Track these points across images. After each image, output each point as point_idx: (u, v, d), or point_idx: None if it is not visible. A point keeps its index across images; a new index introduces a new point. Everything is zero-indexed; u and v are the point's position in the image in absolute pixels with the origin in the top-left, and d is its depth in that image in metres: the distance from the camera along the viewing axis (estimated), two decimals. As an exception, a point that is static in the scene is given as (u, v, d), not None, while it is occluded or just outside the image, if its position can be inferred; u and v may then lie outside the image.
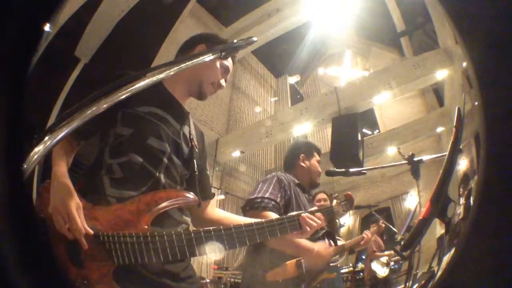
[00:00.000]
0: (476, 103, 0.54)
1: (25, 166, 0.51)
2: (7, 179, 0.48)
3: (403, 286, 1.00)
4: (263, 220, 1.00)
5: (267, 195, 1.51)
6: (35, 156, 0.53)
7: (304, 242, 1.46)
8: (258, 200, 1.49)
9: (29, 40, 0.51)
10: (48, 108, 3.27)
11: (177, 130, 1.08)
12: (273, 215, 1.43)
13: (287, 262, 1.47)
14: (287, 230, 1.06)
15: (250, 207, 1.50)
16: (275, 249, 1.44)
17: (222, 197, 6.33)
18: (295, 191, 1.67)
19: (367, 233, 2.16)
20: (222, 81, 1.17)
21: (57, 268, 0.75)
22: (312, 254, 1.45)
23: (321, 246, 1.50)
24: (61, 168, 0.93)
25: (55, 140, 0.55)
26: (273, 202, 1.50)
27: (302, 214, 1.09)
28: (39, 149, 0.53)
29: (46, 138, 0.55)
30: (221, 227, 0.93)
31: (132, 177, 0.96)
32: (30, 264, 0.49)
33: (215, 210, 1.20)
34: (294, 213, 1.11)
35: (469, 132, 0.80)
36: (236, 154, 6.38)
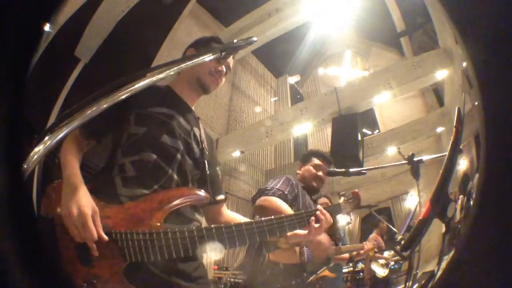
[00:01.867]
0: (476, 103, 0.54)
1: (25, 166, 0.51)
2: (7, 179, 0.48)
3: (403, 286, 1.00)
4: (272, 217, 1.00)
5: (276, 187, 1.68)
6: (35, 156, 0.53)
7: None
8: (268, 188, 1.67)
9: (29, 40, 0.50)
10: (48, 108, 3.27)
11: (187, 131, 1.09)
12: (279, 201, 1.56)
13: (291, 248, 1.50)
14: (296, 227, 1.07)
15: (260, 194, 1.66)
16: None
17: (222, 197, 6.32)
18: (302, 191, 1.78)
19: (367, 244, 2.18)
20: (221, 69, 1.16)
21: (58, 268, 0.75)
22: (314, 242, 1.51)
23: (324, 237, 1.53)
24: (74, 170, 0.92)
25: (55, 140, 0.55)
26: (280, 192, 1.64)
27: (318, 207, 1.12)
28: (39, 149, 0.54)
29: (46, 138, 0.55)
30: (232, 224, 0.93)
31: (145, 175, 0.96)
32: (30, 264, 0.49)
33: (228, 212, 1.22)
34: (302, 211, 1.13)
35: (469, 132, 0.80)
36: (236, 154, 6.37)
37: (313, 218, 1.08)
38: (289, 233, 1.06)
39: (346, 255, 2.17)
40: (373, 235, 3.80)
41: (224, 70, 1.17)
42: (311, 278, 1.50)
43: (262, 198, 1.59)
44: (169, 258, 0.86)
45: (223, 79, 1.20)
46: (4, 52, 0.48)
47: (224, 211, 1.20)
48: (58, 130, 0.56)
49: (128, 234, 0.85)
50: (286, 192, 1.65)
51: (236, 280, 4.46)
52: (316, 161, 1.92)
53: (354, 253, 2.25)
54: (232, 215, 1.21)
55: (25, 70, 0.50)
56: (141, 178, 0.96)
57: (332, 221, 1.14)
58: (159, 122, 1.03)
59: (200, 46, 1.21)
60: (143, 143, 0.99)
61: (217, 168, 1.25)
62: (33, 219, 0.64)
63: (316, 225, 1.08)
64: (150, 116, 1.03)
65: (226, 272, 4.85)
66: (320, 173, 1.90)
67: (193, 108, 1.19)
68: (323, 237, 1.53)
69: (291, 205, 1.63)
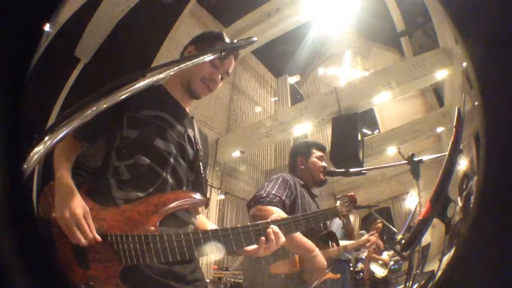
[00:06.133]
0: (476, 103, 0.54)
1: (25, 166, 0.51)
2: (7, 179, 0.48)
3: (403, 286, 1.00)
4: (269, 220, 0.99)
5: (273, 192, 1.55)
6: (35, 156, 0.53)
7: (304, 240, 1.46)
8: (264, 195, 1.53)
9: (29, 40, 0.50)
10: (48, 108, 3.26)
11: (181, 133, 1.08)
12: (277, 210, 1.46)
13: (291, 257, 1.48)
14: (293, 229, 1.04)
15: (255, 202, 1.53)
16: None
17: (222, 197, 6.32)
18: (301, 192, 1.69)
19: (372, 236, 2.17)
20: (216, 76, 1.13)
21: (58, 268, 0.75)
22: (310, 255, 1.44)
23: (319, 254, 1.48)
24: (65, 173, 0.92)
25: (55, 140, 0.55)
26: (277, 198, 1.53)
27: (270, 227, 0.94)
28: (39, 149, 0.53)
29: (46, 138, 0.55)
30: (228, 227, 0.92)
31: (139, 178, 0.96)
32: (30, 264, 0.49)
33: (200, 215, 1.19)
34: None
35: (469, 132, 0.80)
36: (236, 154, 6.37)
37: (263, 237, 0.93)
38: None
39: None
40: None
41: (220, 77, 1.14)
42: (314, 284, 1.49)
43: (259, 207, 1.49)
44: (165, 261, 0.85)
45: (218, 85, 1.16)
46: (4, 52, 0.48)
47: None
48: (58, 130, 0.56)
49: (123, 237, 0.85)
50: (283, 198, 1.55)
51: (236, 280, 4.46)
52: (317, 152, 1.85)
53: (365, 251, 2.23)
54: (203, 219, 1.17)
55: (25, 70, 0.50)
56: (135, 181, 0.95)
57: (283, 241, 0.96)
58: (152, 125, 1.02)
59: (202, 43, 1.17)
60: (136, 147, 0.98)
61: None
62: (32, 219, 0.64)
63: (265, 245, 0.92)
64: (143, 119, 1.02)
65: (226, 272, 4.85)
66: (324, 163, 1.83)
67: (187, 109, 1.17)
68: (319, 260, 1.45)
69: (290, 209, 1.55)
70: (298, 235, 1.42)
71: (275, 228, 0.94)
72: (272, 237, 0.93)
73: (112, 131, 1.02)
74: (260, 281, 1.53)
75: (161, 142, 1.01)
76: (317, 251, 1.46)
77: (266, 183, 1.64)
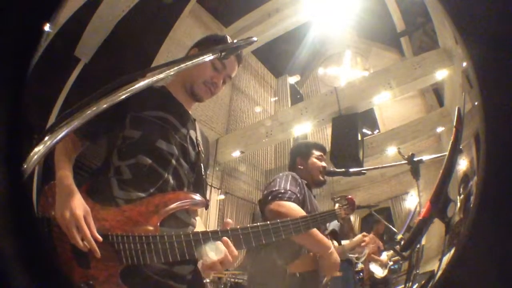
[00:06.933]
0: (476, 103, 0.54)
1: (25, 166, 0.51)
2: (7, 179, 0.47)
3: (403, 286, 1.00)
4: (268, 222, 0.99)
5: (288, 188, 1.52)
6: (35, 156, 0.53)
7: (321, 237, 1.45)
8: (282, 191, 1.49)
9: (29, 40, 0.50)
10: (48, 108, 3.27)
11: (184, 135, 1.08)
12: (297, 208, 1.44)
13: (306, 255, 1.47)
14: (292, 232, 1.05)
15: (272, 197, 1.49)
16: (291, 242, 1.42)
17: (222, 197, 6.32)
18: (307, 191, 1.68)
19: (366, 236, 2.18)
20: (218, 80, 1.13)
21: (58, 268, 0.75)
22: (327, 253, 1.44)
23: (334, 251, 1.47)
24: (66, 172, 0.93)
25: (55, 140, 0.55)
26: (295, 195, 1.50)
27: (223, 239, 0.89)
28: (39, 149, 0.53)
29: (46, 138, 0.55)
30: (228, 228, 0.92)
31: (140, 178, 0.96)
32: (30, 264, 0.49)
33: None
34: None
35: (469, 132, 0.80)
36: (236, 154, 6.37)
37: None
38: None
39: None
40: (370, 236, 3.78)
41: (221, 81, 1.14)
42: (324, 281, 1.49)
43: (280, 203, 1.45)
44: (165, 261, 0.86)
45: (220, 89, 1.16)
46: (4, 52, 0.48)
47: None
48: (58, 130, 0.56)
49: (124, 237, 0.85)
50: (298, 195, 1.53)
51: (236, 280, 4.45)
52: (317, 152, 1.83)
53: (359, 249, 2.23)
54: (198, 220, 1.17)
55: (25, 70, 0.50)
56: (137, 181, 0.96)
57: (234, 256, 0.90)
58: (155, 126, 1.02)
59: (206, 45, 1.17)
60: (138, 147, 0.98)
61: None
62: (33, 219, 0.64)
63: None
64: (146, 120, 1.02)
65: (226, 272, 4.85)
66: (323, 163, 1.82)
67: (189, 111, 1.17)
68: (335, 257, 1.44)
69: (301, 207, 1.52)
70: (315, 232, 1.40)
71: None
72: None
73: (114, 130, 1.02)
74: (269, 281, 1.51)
75: (163, 143, 1.01)
76: (332, 248, 1.46)
77: (278, 179, 1.60)
